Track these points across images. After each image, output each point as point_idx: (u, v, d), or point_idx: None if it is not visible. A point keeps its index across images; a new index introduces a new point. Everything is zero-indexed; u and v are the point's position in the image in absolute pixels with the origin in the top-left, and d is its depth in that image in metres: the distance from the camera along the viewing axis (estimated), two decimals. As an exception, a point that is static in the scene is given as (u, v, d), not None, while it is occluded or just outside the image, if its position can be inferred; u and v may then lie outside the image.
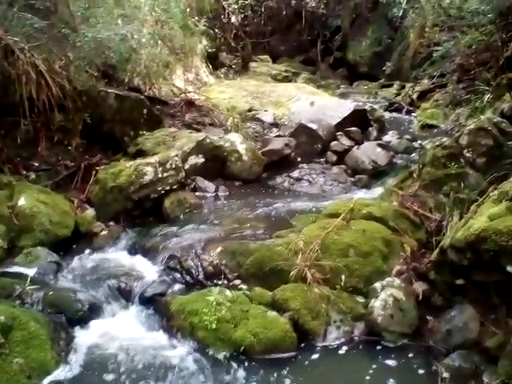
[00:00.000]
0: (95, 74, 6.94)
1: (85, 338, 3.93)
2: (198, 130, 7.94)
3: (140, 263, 4.88)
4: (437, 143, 5.45)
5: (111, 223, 5.72)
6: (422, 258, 4.46)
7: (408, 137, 8.37)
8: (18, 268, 4.66)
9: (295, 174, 7.20)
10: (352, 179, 7.08)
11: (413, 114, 9.95)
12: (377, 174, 7.08)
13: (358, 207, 5.05)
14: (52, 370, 3.54)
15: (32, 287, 4.17)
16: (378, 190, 6.35)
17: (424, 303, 4.08)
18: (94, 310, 4.18)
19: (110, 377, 3.56)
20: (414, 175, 5.61)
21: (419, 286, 4.15)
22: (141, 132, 7.11)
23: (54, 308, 4.05)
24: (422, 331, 3.95)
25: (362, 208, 5.06)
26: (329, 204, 5.65)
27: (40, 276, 4.52)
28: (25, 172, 5.99)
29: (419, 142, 8.04)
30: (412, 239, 4.76)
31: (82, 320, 4.07)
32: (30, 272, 4.51)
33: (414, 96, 10.76)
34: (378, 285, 4.19)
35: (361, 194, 6.35)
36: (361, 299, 4.22)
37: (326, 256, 4.39)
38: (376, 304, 4.00)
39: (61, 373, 3.56)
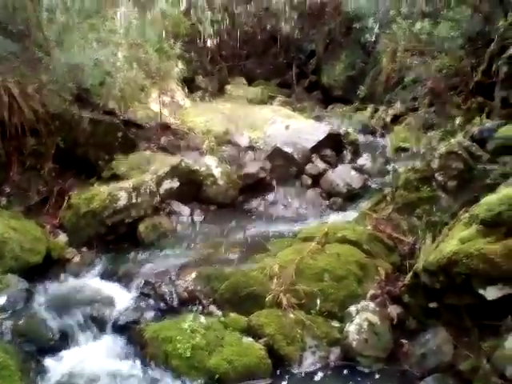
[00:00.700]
0: (69, 98, 6.87)
1: (56, 367, 3.86)
2: (174, 154, 7.88)
3: (113, 290, 4.80)
4: (409, 167, 5.53)
5: (84, 249, 5.65)
6: (396, 282, 4.48)
7: (382, 160, 8.44)
8: (-13, 296, 4.56)
9: (270, 197, 7.21)
10: (327, 202, 7.12)
11: (386, 137, 10.04)
12: (351, 197, 7.13)
13: (333, 231, 5.07)
14: (21, 403, 3.44)
15: (1, 316, 4.08)
16: (352, 213, 6.37)
17: (399, 327, 4.10)
18: (66, 339, 4.11)
19: (81, 408, 3.48)
20: (388, 198, 5.65)
21: (394, 310, 4.17)
22: (115, 156, 7.03)
23: (24, 337, 3.98)
24: (397, 355, 3.96)
25: (337, 231, 5.09)
26: (304, 228, 5.67)
27: (10, 304, 4.42)
28: (-4, 197, 5.90)
29: (393, 165, 8.11)
30: (386, 262, 4.79)
31: (53, 349, 4.00)
32: (0, 300, 4.40)
33: (388, 119, 10.85)
34: (352, 309, 4.20)
35: (336, 217, 6.38)
36: (336, 324, 4.21)
37: (301, 280, 4.39)
38: (351, 328, 4.00)
39: (30, 405, 3.47)
